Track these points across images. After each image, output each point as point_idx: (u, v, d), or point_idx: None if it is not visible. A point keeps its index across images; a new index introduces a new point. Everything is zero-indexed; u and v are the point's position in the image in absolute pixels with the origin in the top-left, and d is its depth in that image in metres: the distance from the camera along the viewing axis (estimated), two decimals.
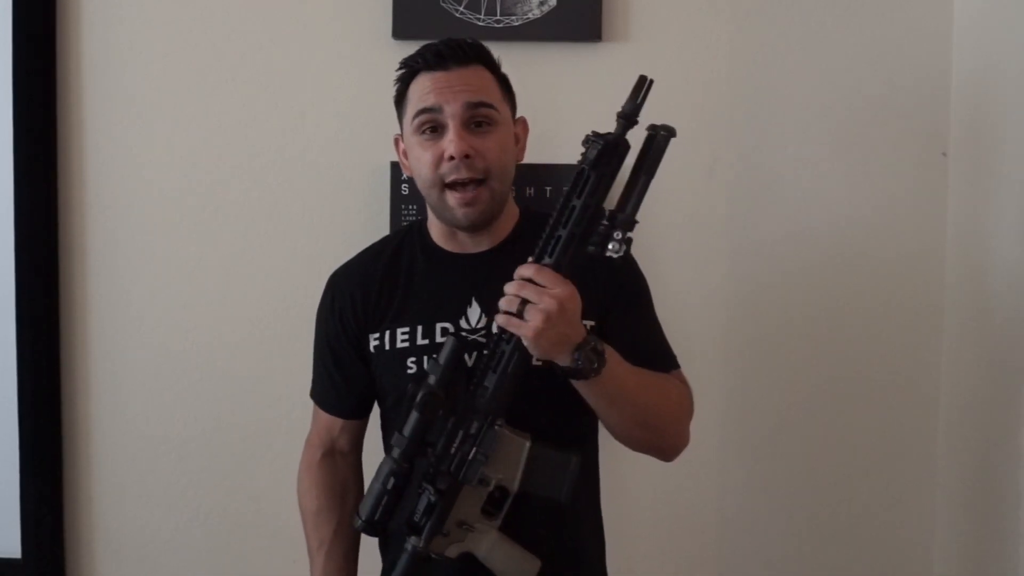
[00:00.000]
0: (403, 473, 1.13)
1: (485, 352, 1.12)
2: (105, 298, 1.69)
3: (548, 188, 1.60)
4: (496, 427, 1.11)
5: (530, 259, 1.09)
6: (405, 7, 1.60)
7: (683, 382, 1.26)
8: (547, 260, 1.08)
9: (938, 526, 1.64)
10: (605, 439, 1.32)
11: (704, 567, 1.68)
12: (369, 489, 1.16)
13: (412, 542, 1.14)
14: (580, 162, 1.07)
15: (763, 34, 1.61)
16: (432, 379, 1.11)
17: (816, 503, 1.66)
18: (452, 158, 1.15)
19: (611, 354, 1.10)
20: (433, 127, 1.17)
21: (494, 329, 1.11)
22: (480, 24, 1.60)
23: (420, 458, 1.13)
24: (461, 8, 1.60)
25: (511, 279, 1.15)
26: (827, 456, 1.65)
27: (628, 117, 1.07)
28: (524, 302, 1.05)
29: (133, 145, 1.67)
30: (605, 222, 1.06)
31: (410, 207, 1.62)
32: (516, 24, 1.60)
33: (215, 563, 1.71)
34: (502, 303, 1.07)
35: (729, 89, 1.61)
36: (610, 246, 1.06)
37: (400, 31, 1.61)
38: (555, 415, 1.18)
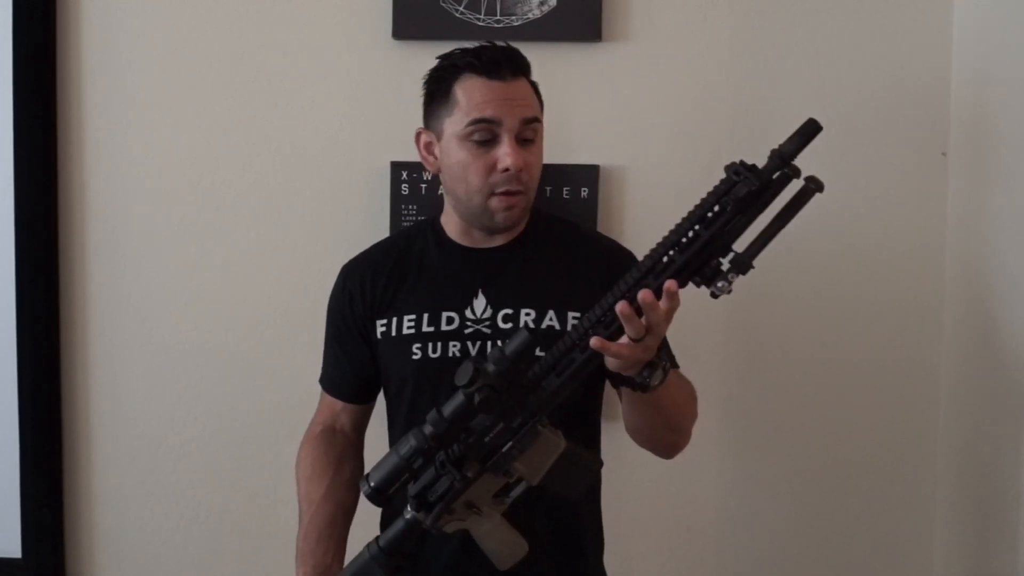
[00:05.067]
0: (431, 454, 1.09)
1: (551, 353, 1.07)
2: (105, 298, 1.69)
3: (548, 188, 1.60)
4: (539, 427, 1.08)
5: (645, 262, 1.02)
6: (405, 7, 1.60)
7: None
8: (651, 281, 1.01)
9: (938, 526, 1.64)
10: (605, 439, 1.33)
11: (704, 567, 1.68)
12: (386, 458, 1.11)
13: (417, 516, 1.12)
14: (721, 191, 1.00)
15: (763, 34, 1.61)
16: (491, 368, 1.03)
17: (816, 503, 1.66)
18: (507, 170, 1.17)
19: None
20: (487, 138, 1.18)
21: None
22: (480, 24, 1.59)
23: (450, 440, 1.09)
24: (461, 8, 1.60)
25: (518, 274, 1.21)
26: (827, 456, 1.65)
27: (785, 159, 1.00)
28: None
29: (133, 145, 1.67)
30: (719, 260, 1.02)
31: (410, 207, 1.62)
32: (516, 24, 1.60)
33: (215, 563, 1.71)
34: (631, 329, 0.99)
35: (729, 89, 1.61)
36: (719, 284, 1.02)
37: (400, 31, 1.61)
38: (571, 413, 1.18)
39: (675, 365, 1.28)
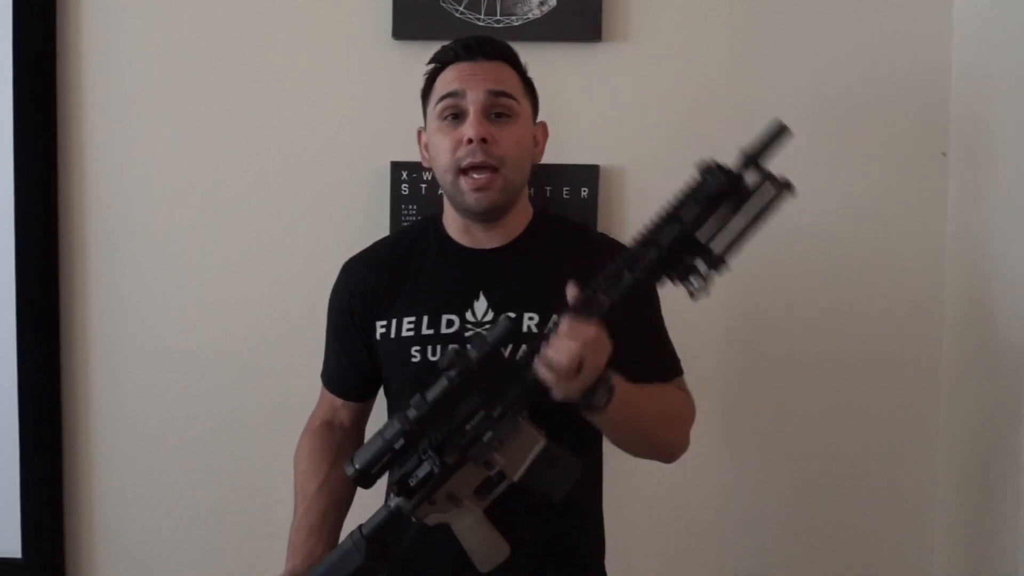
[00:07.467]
0: (414, 436, 1.09)
1: (531, 345, 1.10)
2: (105, 298, 1.69)
3: (548, 188, 1.60)
4: (519, 418, 1.09)
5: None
6: (405, 7, 1.60)
7: (685, 391, 1.27)
8: (627, 276, 1.05)
9: (938, 527, 1.64)
10: (605, 441, 1.33)
11: (704, 567, 1.68)
12: (371, 441, 1.11)
13: (399, 503, 1.13)
14: (695, 189, 1.03)
15: (763, 34, 1.61)
16: (473, 353, 1.06)
17: (816, 503, 1.66)
18: (471, 141, 1.18)
19: (618, 382, 1.08)
20: (455, 113, 1.21)
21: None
22: (480, 24, 1.60)
23: (433, 425, 1.10)
24: (461, 8, 1.60)
25: (521, 277, 1.20)
26: (827, 456, 1.65)
27: (752, 159, 1.03)
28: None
29: (133, 145, 1.68)
30: (690, 258, 1.04)
31: (410, 207, 1.62)
32: (516, 24, 1.60)
33: (215, 563, 1.71)
34: (562, 360, 1.02)
35: (729, 89, 1.61)
36: (695, 282, 1.04)
37: (400, 31, 1.61)
38: (570, 414, 1.17)
39: (679, 372, 1.27)
